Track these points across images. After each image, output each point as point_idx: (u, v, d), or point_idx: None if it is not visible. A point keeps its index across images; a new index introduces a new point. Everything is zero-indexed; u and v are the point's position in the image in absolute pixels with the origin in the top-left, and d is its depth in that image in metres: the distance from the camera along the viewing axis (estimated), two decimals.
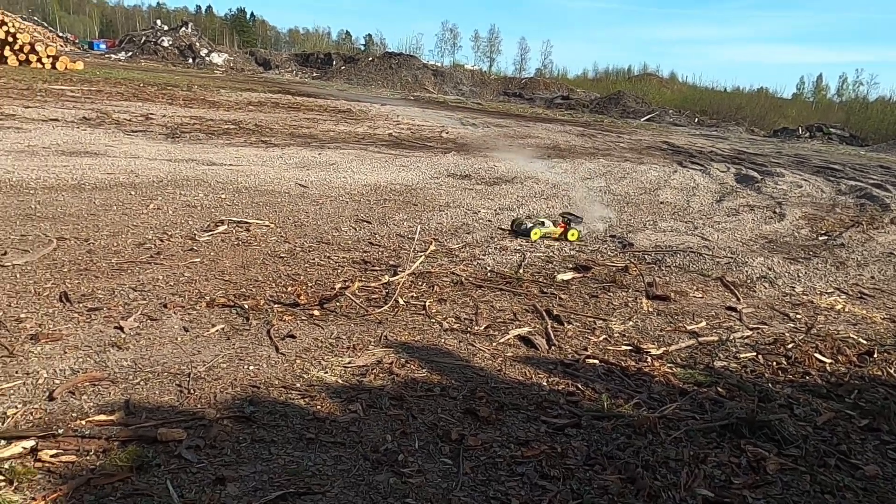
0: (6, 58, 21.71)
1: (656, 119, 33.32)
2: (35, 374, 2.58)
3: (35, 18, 54.11)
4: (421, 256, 4.48)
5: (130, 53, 43.80)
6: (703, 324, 3.97)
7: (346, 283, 3.97)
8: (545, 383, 2.99)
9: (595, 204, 7.83)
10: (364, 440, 2.36)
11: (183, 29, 47.79)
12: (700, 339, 3.70)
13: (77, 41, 58.32)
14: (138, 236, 4.63)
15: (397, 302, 3.79)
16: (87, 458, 2.09)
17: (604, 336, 3.64)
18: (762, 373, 3.31)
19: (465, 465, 2.26)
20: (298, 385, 2.72)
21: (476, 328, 3.55)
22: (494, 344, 3.37)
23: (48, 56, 22.78)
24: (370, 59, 49.79)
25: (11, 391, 2.45)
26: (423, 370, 2.98)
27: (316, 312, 3.54)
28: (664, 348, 3.52)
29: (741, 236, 6.69)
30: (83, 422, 2.27)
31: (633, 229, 6.62)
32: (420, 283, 4.21)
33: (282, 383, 2.72)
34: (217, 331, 3.19)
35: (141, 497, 1.93)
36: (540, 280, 4.58)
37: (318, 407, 2.56)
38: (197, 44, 46.10)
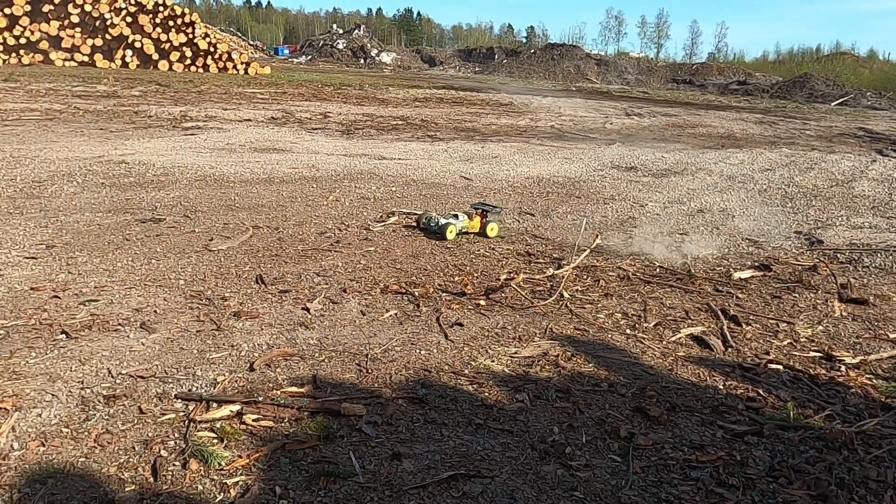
0: (208, 66, 24.39)
1: (850, 103, 29.90)
2: (238, 346, 2.90)
3: (231, 29, 60.19)
4: (586, 250, 4.40)
5: (310, 57, 47.30)
6: None
7: (511, 275, 4.01)
8: (721, 386, 2.82)
9: (776, 198, 7.22)
10: (531, 430, 2.38)
11: (356, 31, 50.73)
12: None
13: (265, 48, 64.07)
14: (320, 226, 5.01)
15: (562, 295, 3.77)
16: (282, 424, 2.32)
17: (788, 340, 3.36)
18: None
19: (635, 465, 2.20)
20: (467, 372, 2.80)
21: (645, 325, 3.43)
22: (665, 342, 3.24)
23: (242, 63, 25.27)
24: (532, 51, 49.58)
25: (220, 360, 2.77)
26: (590, 365, 2.94)
27: (482, 302, 3.62)
28: (861, 357, 3.17)
29: None
30: (278, 392, 2.52)
31: (823, 225, 6.02)
32: (585, 277, 4.15)
33: (451, 369, 2.81)
34: (390, 316, 3.37)
35: (328, 464, 2.10)
36: (714, 277, 4.32)
37: (486, 394, 2.62)
38: (368, 45, 48.70)
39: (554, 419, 2.47)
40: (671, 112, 19.62)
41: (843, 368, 3.05)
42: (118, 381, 2.54)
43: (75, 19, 22.08)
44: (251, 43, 59.53)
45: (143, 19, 22.97)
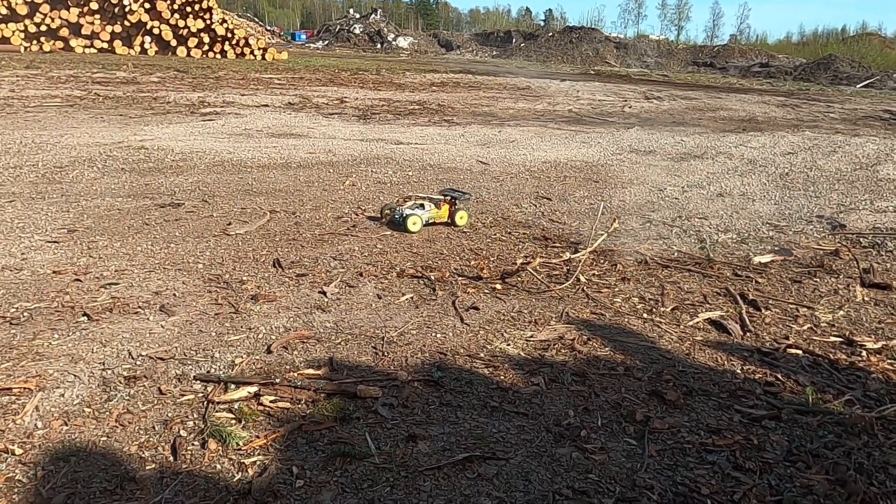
0: (226, 52, 24.45)
1: (876, 85, 29.29)
2: (256, 329, 2.93)
3: (248, 15, 60.25)
4: (603, 234, 4.37)
5: (326, 42, 47.22)
6: None
7: (528, 259, 4.00)
8: (739, 371, 2.80)
9: (798, 182, 7.11)
10: (546, 413, 2.38)
11: (373, 16, 50.50)
12: None
13: (281, 33, 64.11)
14: (337, 210, 5.03)
15: (579, 279, 3.76)
16: (299, 406, 2.34)
17: (808, 325, 3.32)
18: None
19: (651, 448, 2.20)
20: (482, 355, 2.80)
21: (662, 309, 3.41)
22: (682, 326, 3.22)
23: (259, 48, 25.29)
24: (550, 34, 49.06)
25: (238, 343, 2.80)
26: (606, 349, 2.93)
27: (498, 286, 3.61)
28: (883, 342, 3.13)
29: None
30: (295, 374, 2.54)
31: (846, 209, 5.92)
32: (602, 262, 4.13)
33: (467, 352, 2.82)
34: (407, 300, 3.38)
35: (344, 444, 2.12)
36: (733, 262, 4.27)
37: (502, 377, 2.62)
38: (385, 29, 48.49)
39: (569, 402, 2.47)
40: (691, 95, 19.35)
41: (864, 353, 3.01)
42: (138, 363, 2.58)
43: (94, 6, 22.22)
44: (268, 28, 59.58)
45: (161, 6, 23.04)
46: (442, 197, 4.74)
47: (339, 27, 50.67)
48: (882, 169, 8.13)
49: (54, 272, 3.48)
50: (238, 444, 2.10)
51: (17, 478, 1.91)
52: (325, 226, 4.61)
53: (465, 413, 2.36)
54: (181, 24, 23.46)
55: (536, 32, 54.04)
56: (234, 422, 2.23)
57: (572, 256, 4.09)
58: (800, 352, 2.99)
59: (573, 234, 4.77)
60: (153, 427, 2.18)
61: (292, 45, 46.48)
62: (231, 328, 2.94)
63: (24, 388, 2.34)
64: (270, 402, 2.35)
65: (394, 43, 47.19)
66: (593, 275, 3.89)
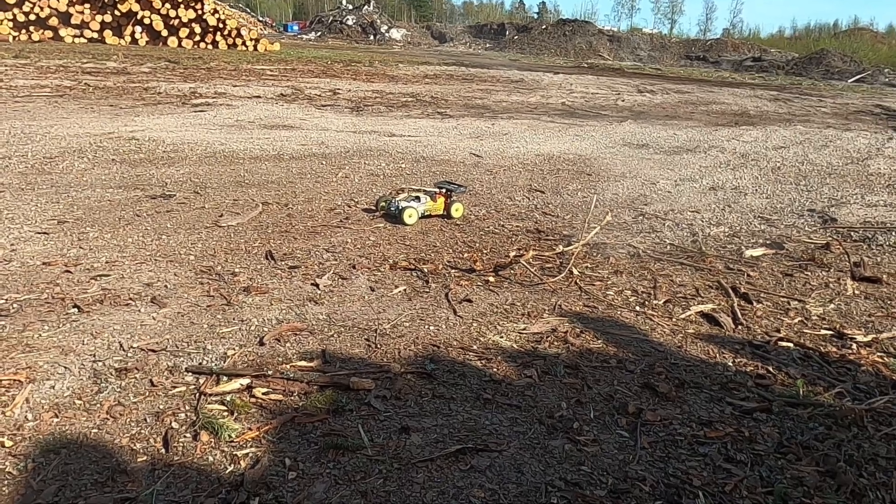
0: (217, 42, 24.26)
1: (868, 80, 29.42)
2: (248, 321, 2.92)
3: (240, 5, 59.75)
4: (596, 227, 4.38)
5: (319, 33, 46.94)
6: None
7: (521, 252, 4.00)
8: (731, 363, 2.82)
9: (789, 176, 7.14)
10: (539, 405, 2.39)
11: (366, 7, 50.23)
12: None
13: (273, 24, 63.67)
14: (329, 202, 5.01)
15: (571, 272, 3.76)
16: (292, 398, 2.33)
17: (799, 318, 3.34)
18: None
19: (643, 440, 2.21)
20: (475, 347, 2.80)
21: (654, 302, 3.42)
22: (674, 319, 3.23)
23: (251, 39, 25.10)
24: (543, 27, 48.97)
25: (230, 335, 2.79)
26: (599, 341, 2.93)
27: (491, 279, 3.61)
28: (873, 335, 3.15)
29: None
30: (288, 366, 2.54)
31: (837, 203, 5.95)
32: (595, 255, 4.13)
33: (459, 344, 2.82)
34: (400, 292, 3.37)
35: (336, 437, 2.12)
36: (725, 255, 4.29)
37: (495, 369, 2.62)
38: (378, 21, 48.25)
39: (562, 395, 2.47)
40: (684, 89, 19.38)
41: (854, 346, 3.03)
42: (130, 355, 2.56)
43: None
44: (260, 19, 59.15)
45: None
46: (437, 189, 4.72)
47: (331, 18, 50.37)
48: (873, 163, 8.17)
49: (44, 263, 3.45)
50: (230, 437, 2.09)
51: (6, 469, 1.90)
52: (318, 218, 4.59)
53: (458, 405, 2.36)
54: (172, 13, 23.26)
55: (530, 25, 53.91)
56: (226, 414, 2.22)
57: (565, 249, 4.10)
58: (791, 345, 3.01)
59: (566, 226, 4.78)
60: (145, 419, 2.17)
61: (284, 36, 46.19)
62: (223, 320, 2.92)
63: (14, 380, 2.32)
64: (263, 394, 2.34)
65: (387, 35, 46.98)
66: (586, 267, 3.89)
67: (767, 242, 4.62)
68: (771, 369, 2.78)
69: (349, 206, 4.91)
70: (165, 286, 3.25)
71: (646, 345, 2.93)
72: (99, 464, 1.94)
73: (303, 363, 2.57)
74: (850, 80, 29.05)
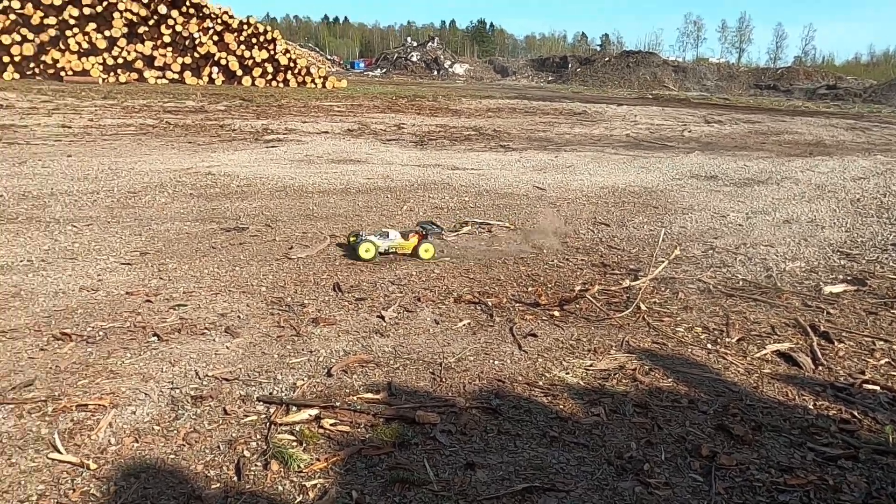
0: (288, 80, 25.29)
1: None
2: (316, 352, 2.98)
3: (310, 45, 62.25)
4: (664, 261, 4.28)
5: (384, 70, 48.28)
6: None
7: (586, 286, 3.95)
8: (811, 406, 2.68)
9: (870, 208, 6.81)
10: (607, 445, 2.33)
11: (429, 44, 51.43)
12: None
13: (341, 62, 65.90)
14: None
15: (639, 307, 3.68)
16: (359, 430, 2.36)
17: (886, 359, 3.16)
18: None
19: (718, 485, 2.12)
20: (541, 383, 2.77)
21: (727, 340, 3.30)
22: (749, 358, 3.11)
23: (319, 77, 26.06)
24: (606, 59, 48.85)
25: (299, 365, 2.85)
26: (669, 380, 2.85)
27: (556, 313, 3.58)
28: None
29: None
30: (355, 398, 2.57)
31: None
32: (663, 289, 4.04)
33: (525, 380, 2.79)
34: (464, 325, 3.38)
35: (402, 470, 2.12)
36: (802, 291, 4.11)
37: (561, 406, 2.58)
38: (441, 56, 49.28)
39: (631, 434, 2.41)
40: (754, 119, 18.88)
41: None
42: (205, 383, 2.66)
43: (167, 39, 23.39)
44: (328, 57, 61.37)
45: (229, 38, 24.07)
46: (418, 229, 4.66)
47: (396, 55, 51.78)
48: None
49: (127, 293, 3.63)
50: (299, 467, 2.13)
51: (91, 492, 1.98)
52: None
53: (524, 442, 2.33)
54: (247, 54, 24.42)
55: (593, 57, 53.89)
56: (295, 444, 2.26)
57: (632, 284, 4.02)
58: (877, 388, 2.85)
59: (632, 260, 4.69)
60: (218, 447, 2.24)
61: (351, 74, 47.72)
62: (293, 350, 3.00)
63: (99, 405, 2.44)
64: (331, 425, 2.38)
65: (450, 70, 47.88)
66: (654, 303, 3.80)
67: (848, 278, 4.40)
68: (856, 413, 2.63)
69: None
70: (238, 316, 3.37)
71: (719, 384, 2.83)
72: (176, 489, 2.01)
73: (369, 395, 2.60)
74: None
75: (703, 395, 2.72)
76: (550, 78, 47.60)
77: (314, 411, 2.45)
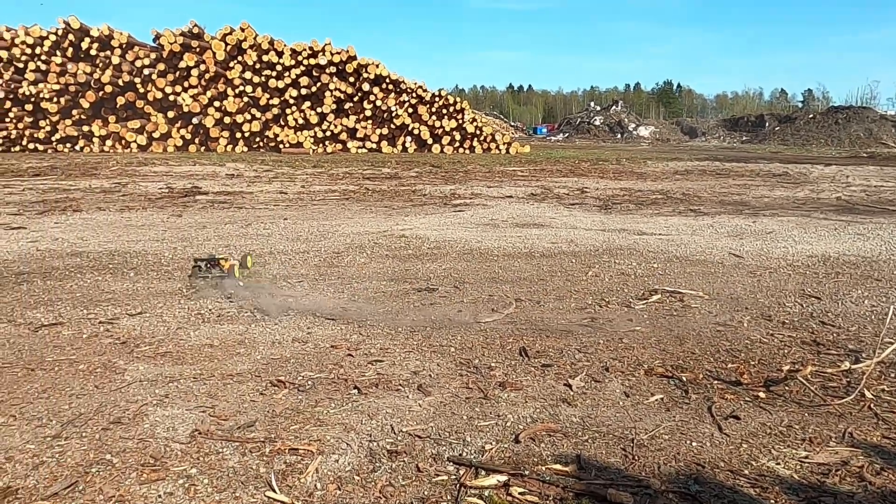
0: (474, 147, 26.49)
1: None
2: (504, 417, 3.00)
3: (494, 113, 64.98)
4: (893, 343, 3.76)
5: (567, 134, 48.78)
6: None
7: (796, 366, 3.58)
8: None
9: None
10: None
11: (613, 108, 51.23)
12: None
13: (524, 128, 67.81)
14: (580, 301, 5.03)
15: (863, 394, 3.25)
16: (547, 501, 2.31)
17: None
18: None
19: None
20: (746, 472, 2.53)
21: None
22: None
23: (504, 143, 26.98)
24: (810, 116, 45.14)
25: (487, 429, 2.88)
26: None
27: (761, 394, 3.27)
28: None
29: None
30: (543, 468, 2.53)
31: None
32: (893, 376, 3.53)
33: (727, 466, 2.57)
34: (656, 400, 3.21)
35: None
36: None
37: (772, 501, 2.33)
38: (625, 119, 48.78)
39: None
40: None
41: None
42: (399, 438, 2.78)
43: (368, 113, 25.74)
44: (511, 124, 63.50)
45: (422, 109, 25.90)
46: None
47: (579, 120, 52.16)
48: None
49: (332, 346, 3.95)
50: None
51: None
52: (569, 316, 4.63)
53: None
54: (437, 124, 26.06)
55: (794, 115, 50.03)
56: None
57: (853, 367, 3.57)
58: None
59: (851, 339, 4.18)
60: (411, 503, 2.31)
61: (534, 139, 48.81)
62: (481, 413, 3.04)
63: (308, 450, 2.65)
64: (519, 493, 2.36)
65: (634, 132, 47.12)
66: (882, 390, 3.34)
67: None
68: None
69: (600, 307, 4.88)
70: (430, 375, 3.50)
71: None
72: None
73: (558, 466, 2.55)
74: None
75: None
76: (745, 138, 44.87)
77: (503, 477, 2.45)
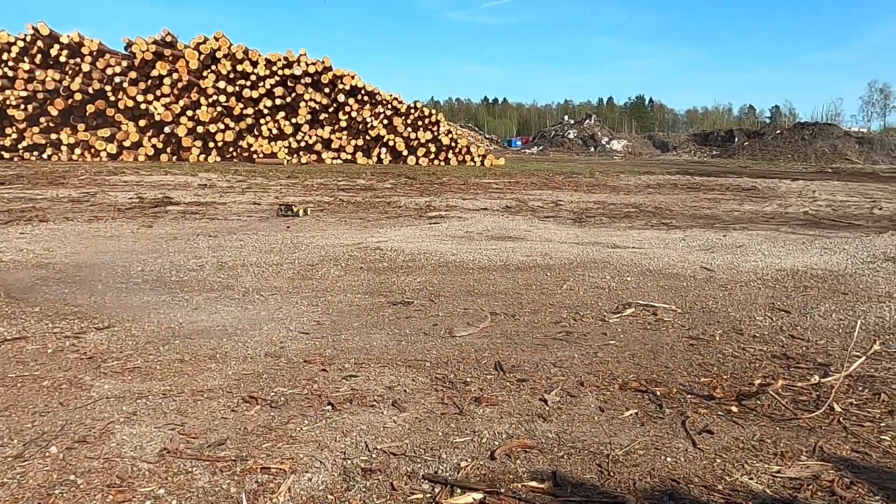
0: (449, 159, 26.59)
1: None
2: (479, 433, 2.98)
3: (469, 125, 65.32)
4: (860, 357, 3.83)
5: (541, 147, 49.23)
6: None
7: (767, 380, 3.63)
8: None
9: None
10: None
11: (587, 121, 51.89)
12: None
13: (499, 140, 68.30)
14: (555, 314, 5.04)
15: (832, 408, 3.30)
16: None
17: None
18: None
19: None
20: (720, 487, 2.54)
21: None
22: None
23: (479, 155, 27.13)
24: (777, 131, 46.21)
25: (462, 445, 2.86)
26: (877, 498, 2.49)
27: (734, 409, 3.30)
28: None
29: None
30: (519, 485, 2.52)
31: None
32: (861, 389, 3.60)
33: (702, 482, 2.58)
34: (631, 415, 3.22)
35: None
36: None
37: None
38: (598, 133, 49.41)
39: None
40: None
41: None
42: (374, 456, 2.74)
43: (343, 124, 25.70)
44: (486, 136, 63.90)
45: (397, 121, 25.94)
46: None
47: (553, 133, 52.69)
48: None
49: (305, 361, 3.89)
50: None
51: None
52: (544, 330, 4.64)
53: None
54: (413, 136, 26.11)
55: (762, 130, 51.18)
56: None
57: (822, 380, 3.63)
58: None
59: (820, 353, 4.25)
60: None
61: (508, 151, 49.16)
62: (456, 429, 3.02)
63: (280, 469, 2.60)
64: None
65: (607, 146, 47.74)
66: (850, 404, 3.39)
67: None
68: None
69: (575, 320, 4.90)
70: (404, 391, 3.47)
71: None
72: None
73: (534, 483, 2.54)
74: None
75: None
76: (714, 152, 45.73)
77: (479, 495, 2.42)
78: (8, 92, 23.06)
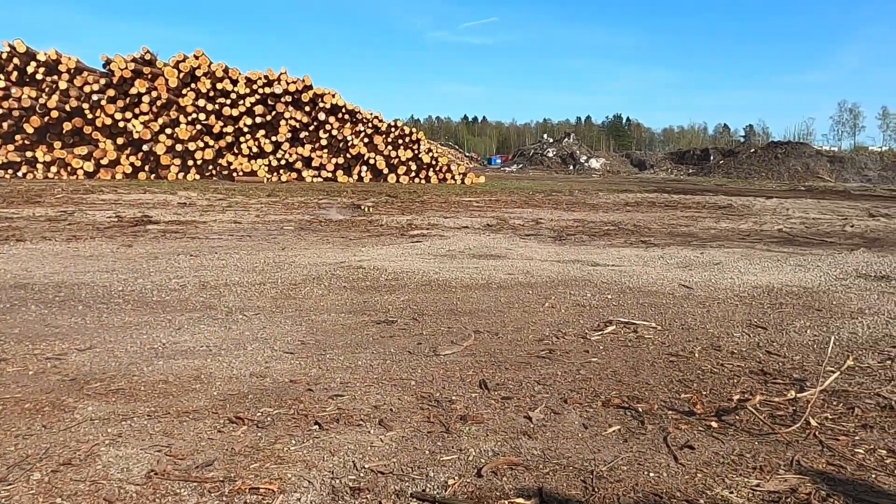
0: (430, 177, 26.71)
1: None
2: (466, 451, 3.02)
3: (450, 143, 65.73)
4: (834, 372, 3.94)
5: (521, 165, 49.65)
6: None
7: (746, 396, 3.71)
8: None
9: None
10: None
11: (566, 140, 52.50)
12: None
13: (479, 158, 68.79)
14: (537, 332, 5.11)
15: (808, 423, 3.39)
16: None
17: None
18: None
19: None
20: (702, 501, 2.61)
21: None
22: None
23: (459, 174, 27.30)
24: (752, 150, 47.13)
25: (449, 463, 2.89)
26: None
27: (714, 424, 3.38)
28: None
29: None
30: (506, 501, 2.56)
31: None
32: (836, 404, 3.70)
33: (684, 496, 2.64)
34: (614, 431, 3.28)
35: None
36: None
37: None
38: (577, 151, 49.99)
39: None
40: None
41: None
42: (362, 475, 2.76)
43: (324, 142, 25.73)
44: (466, 154, 64.33)
45: (378, 139, 26.05)
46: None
47: (532, 151, 53.20)
48: None
49: (291, 381, 3.90)
50: None
51: None
52: (527, 348, 4.69)
53: None
54: (393, 154, 26.23)
55: (736, 149, 52.15)
56: None
57: (798, 395, 3.72)
58: None
59: (796, 368, 4.36)
60: None
61: (489, 169, 49.50)
62: (443, 447, 3.05)
63: (269, 489, 2.61)
64: None
65: (586, 164, 48.30)
66: (826, 418, 3.48)
67: None
68: None
69: (557, 338, 4.96)
70: (391, 409, 3.50)
71: None
72: None
73: (520, 500, 2.58)
74: None
75: None
76: (691, 171, 46.49)
77: None
78: None
